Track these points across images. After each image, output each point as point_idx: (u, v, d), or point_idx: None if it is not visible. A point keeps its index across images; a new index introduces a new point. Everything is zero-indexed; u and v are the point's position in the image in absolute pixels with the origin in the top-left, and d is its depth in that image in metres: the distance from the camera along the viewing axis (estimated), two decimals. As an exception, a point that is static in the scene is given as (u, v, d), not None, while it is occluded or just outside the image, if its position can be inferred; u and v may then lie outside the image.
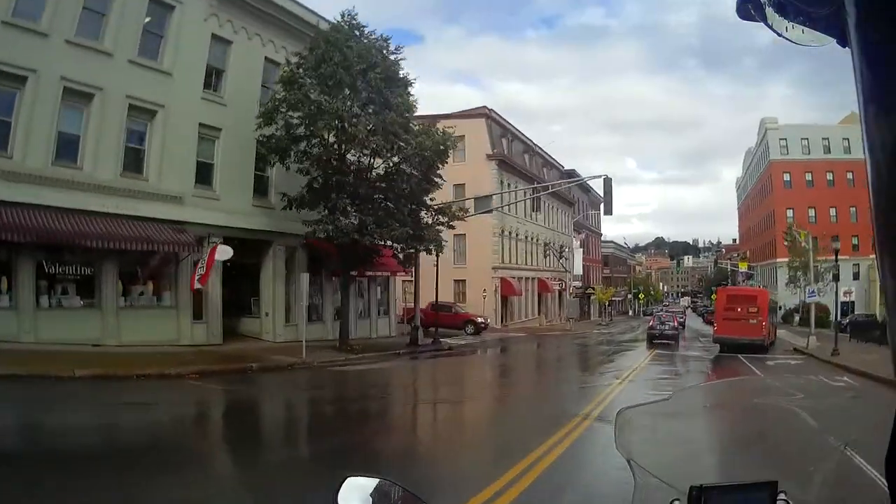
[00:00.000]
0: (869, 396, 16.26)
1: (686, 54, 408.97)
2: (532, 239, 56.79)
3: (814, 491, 2.88)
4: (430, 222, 28.22)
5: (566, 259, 59.08)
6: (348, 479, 1.41)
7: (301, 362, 20.49)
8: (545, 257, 57.63)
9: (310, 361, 20.79)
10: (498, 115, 54.16)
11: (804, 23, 0.88)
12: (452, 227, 29.98)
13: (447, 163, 27.59)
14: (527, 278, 55.60)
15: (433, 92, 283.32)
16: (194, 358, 19.69)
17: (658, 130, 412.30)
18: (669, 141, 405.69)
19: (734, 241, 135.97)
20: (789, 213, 68.38)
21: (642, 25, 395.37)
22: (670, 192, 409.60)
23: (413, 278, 31.72)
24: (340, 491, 1.37)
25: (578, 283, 70.24)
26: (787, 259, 61.27)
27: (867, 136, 0.73)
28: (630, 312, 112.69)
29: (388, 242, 26.11)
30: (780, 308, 52.01)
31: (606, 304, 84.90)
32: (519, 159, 56.30)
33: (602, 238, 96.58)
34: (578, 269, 68.14)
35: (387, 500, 1.42)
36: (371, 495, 1.40)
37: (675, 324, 41.47)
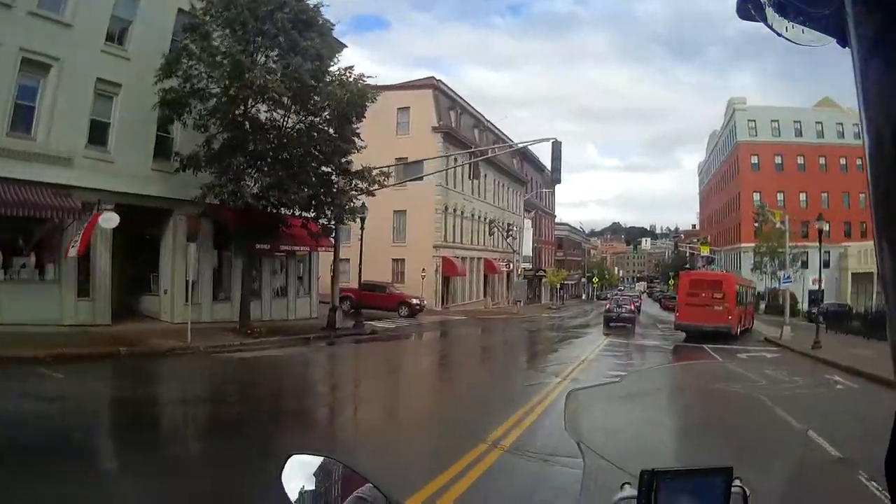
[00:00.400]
0: (873, 400, 13.46)
1: (653, 43, 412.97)
2: (479, 217, 54.29)
3: (772, 478, 2.67)
4: (345, 189, 25.35)
5: (514, 238, 56.85)
6: (293, 457, 1.37)
7: (184, 347, 17.97)
8: (490, 235, 54.85)
9: (195, 346, 18.23)
10: (447, 86, 51.68)
11: (804, 23, 0.88)
12: (371, 195, 27.15)
13: (364, 118, 24.66)
14: (472, 258, 53.35)
15: (399, 77, 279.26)
16: (67, 340, 17.23)
17: (622, 118, 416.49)
18: (633, 129, 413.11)
19: (694, 226, 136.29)
20: (756, 196, 66.07)
21: (610, 14, 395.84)
22: (631, 178, 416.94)
23: (333, 252, 29.05)
24: (285, 469, 1.33)
25: (528, 265, 68.40)
26: (752, 244, 60.37)
27: (867, 136, 0.73)
28: (583, 296, 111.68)
29: (296, 211, 23.55)
30: (757, 294, 49.16)
31: (558, 287, 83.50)
32: (468, 134, 53.84)
33: (556, 220, 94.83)
34: (528, 249, 65.76)
35: (330, 478, 1.36)
36: (315, 473, 1.36)
37: (632, 307, 41.80)
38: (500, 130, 65.11)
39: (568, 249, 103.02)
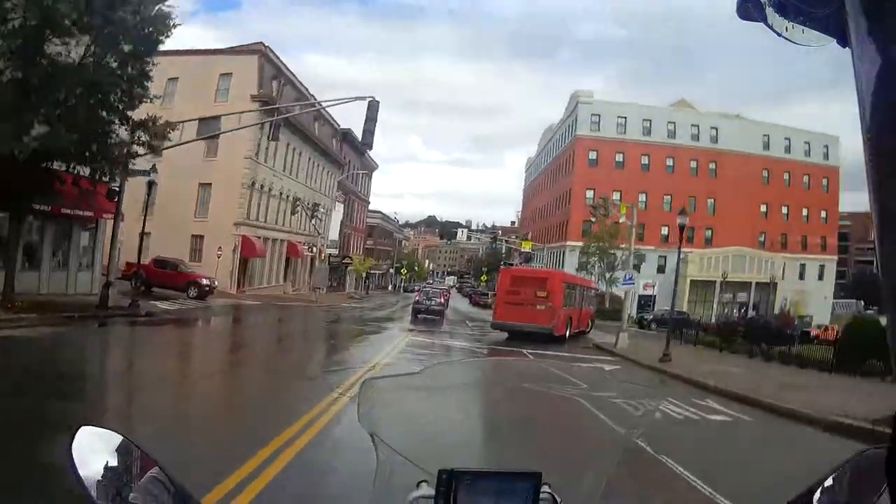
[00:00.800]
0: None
1: (500, 42, 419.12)
2: (287, 196, 51.73)
3: (586, 487, 1.96)
4: (126, 141, 21.89)
5: (319, 220, 54.72)
6: (83, 428, 1.28)
7: None
8: (293, 215, 51.91)
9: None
10: (275, 54, 48.70)
11: (804, 23, 0.90)
12: (156, 152, 23.65)
13: (157, 54, 20.72)
14: (275, 240, 50.90)
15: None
16: None
17: (453, 113, 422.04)
18: (461, 124, 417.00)
19: (513, 223, 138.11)
20: (589, 193, 63.34)
21: (457, 8, 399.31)
22: (452, 173, 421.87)
23: (114, 218, 25.66)
24: (74, 440, 1.24)
25: (335, 251, 66.87)
26: (579, 242, 58.79)
27: (867, 136, 0.73)
28: (390, 287, 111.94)
29: (77, 170, 20.16)
30: (600, 296, 46.09)
31: (364, 276, 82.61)
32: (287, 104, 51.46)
33: (370, 208, 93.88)
34: (334, 233, 64.14)
35: (121, 455, 1.30)
36: (105, 448, 1.28)
37: (442, 300, 41.29)
38: (323, 109, 62.80)
39: (379, 238, 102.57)
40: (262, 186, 46.56)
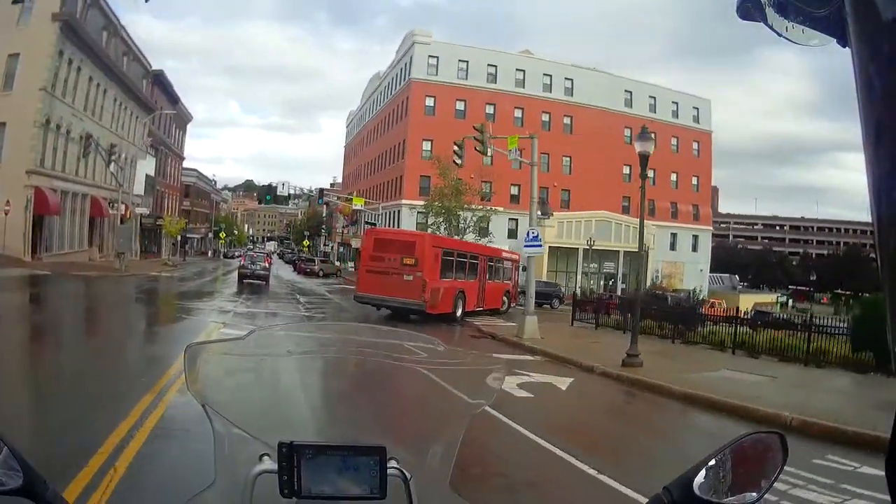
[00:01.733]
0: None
1: (318, 7, 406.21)
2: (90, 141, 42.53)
3: (435, 460, 1.62)
4: None
5: (120, 168, 44.54)
6: None
7: None
8: (84, 158, 41.18)
9: None
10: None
11: (804, 23, 0.89)
12: None
13: None
14: (75, 194, 42.16)
15: None
16: None
17: (271, 77, 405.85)
18: (279, 88, 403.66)
19: (332, 184, 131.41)
20: (426, 145, 55.53)
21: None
22: (270, 138, 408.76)
23: None
24: None
25: (146, 210, 58.04)
26: (417, 201, 50.97)
27: (867, 136, 0.73)
28: (209, 253, 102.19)
29: None
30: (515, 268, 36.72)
31: (180, 240, 73.58)
32: (98, 36, 42.67)
33: (185, 165, 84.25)
34: (139, 187, 54.55)
35: None
36: None
37: (266, 264, 40.12)
38: (134, 44, 53.73)
39: (195, 199, 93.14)
40: (58, 127, 37.85)
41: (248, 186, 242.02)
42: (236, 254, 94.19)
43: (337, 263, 70.42)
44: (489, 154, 26.08)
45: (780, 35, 0.91)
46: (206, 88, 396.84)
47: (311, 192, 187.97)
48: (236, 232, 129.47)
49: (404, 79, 62.50)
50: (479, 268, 28.87)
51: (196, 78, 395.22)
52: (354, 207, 61.37)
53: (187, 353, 1.55)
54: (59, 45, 35.88)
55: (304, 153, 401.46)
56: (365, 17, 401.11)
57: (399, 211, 57.88)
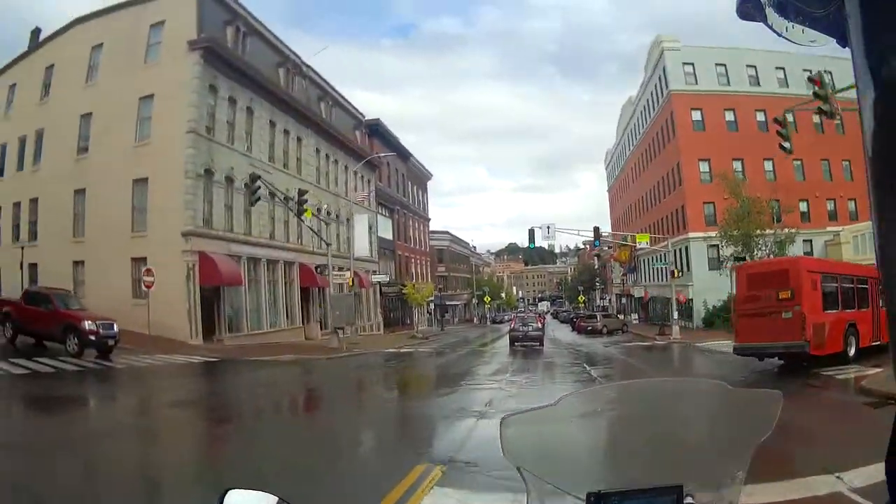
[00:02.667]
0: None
1: (545, 62, 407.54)
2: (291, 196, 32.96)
3: (722, 492, 1.63)
4: None
5: (325, 225, 37.18)
6: (231, 492, 1.35)
7: None
8: (251, 205, 30.01)
9: None
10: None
11: (804, 23, 0.89)
12: None
13: None
14: (273, 261, 34.76)
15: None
16: None
17: (514, 139, 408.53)
18: (525, 149, 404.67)
19: (597, 230, 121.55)
20: (703, 166, 46.14)
21: (499, 32, 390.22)
22: (525, 199, 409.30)
23: None
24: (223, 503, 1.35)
25: (385, 278, 50.03)
26: (703, 234, 43.47)
27: (867, 135, 0.72)
28: (475, 320, 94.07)
29: None
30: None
31: (433, 308, 65.53)
32: (264, 66, 35.64)
33: (432, 226, 77.29)
34: (364, 249, 44.83)
35: None
36: None
37: (539, 324, 36.79)
38: (325, 82, 46.93)
39: (451, 263, 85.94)
40: (225, 176, 30.42)
41: (511, 249, 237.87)
42: (505, 318, 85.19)
43: (620, 317, 60.85)
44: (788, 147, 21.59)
45: (780, 35, 0.89)
46: (450, 157, 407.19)
47: (576, 251, 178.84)
48: (504, 295, 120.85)
49: (662, 93, 52.39)
50: (868, 294, 23.03)
51: (437, 147, 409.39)
52: (639, 246, 49.60)
53: (502, 424, 1.63)
54: (203, 76, 28.78)
55: (563, 210, 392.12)
56: (593, 67, 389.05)
57: (687, 248, 46.91)
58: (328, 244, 34.16)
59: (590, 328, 51.46)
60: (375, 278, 47.85)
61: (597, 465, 2.32)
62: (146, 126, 28.78)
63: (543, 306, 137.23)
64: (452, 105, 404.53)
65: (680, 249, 47.25)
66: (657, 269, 50.74)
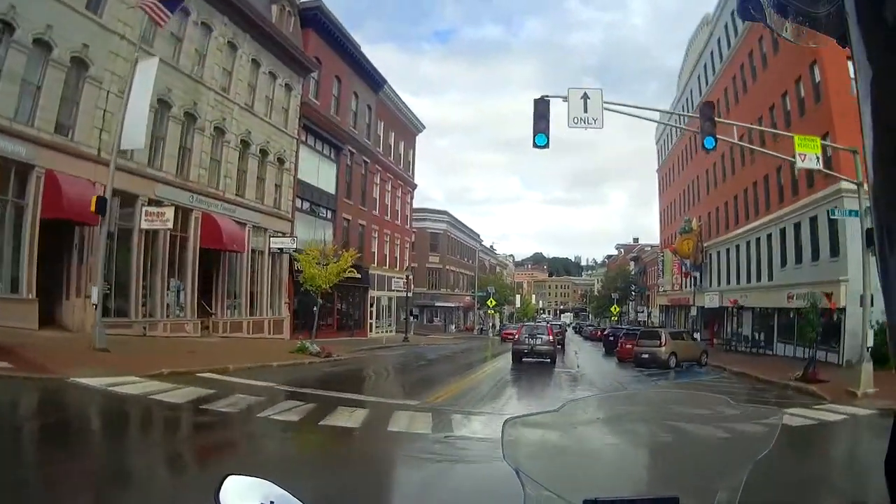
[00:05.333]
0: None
1: (584, 74, 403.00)
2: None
3: None
4: None
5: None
6: (228, 478, 1.35)
7: None
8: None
9: None
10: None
11: (804, 23, 0.89)
12: None
13: None
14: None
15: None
16: None
17: (548, 150, 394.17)
18: (559, 162, 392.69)
19: (636, 240, 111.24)
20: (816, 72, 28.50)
21: (541, 43, 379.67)
22: (555, 212, 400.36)
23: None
24: (221, 490, 1.32)
25: (291, 242, 30.72)
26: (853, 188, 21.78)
27: (867, 135, 0.72)
28: (476, 330, 73.83)
29: None
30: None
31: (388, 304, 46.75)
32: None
33: (431, 204, 58.59)
34: (136, 140, 24.69)
35: (268, 499, 1.35)
36: (251, 496, 1.34)
37: (550, 337, 28.87)
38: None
39: (449, 254, 67.29)
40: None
41: (536, 259, 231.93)
42: (512, 327, 65.83)
43: (696, 337, 37.93)
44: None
45: (780, 35, 0.89)
46: (484, 165, 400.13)
47: (602, 263, 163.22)
48: (520, 303, 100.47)
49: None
50: None
51: (471, 153, 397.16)
52: (800, 163, 28.52)
53: (505, 426, 1.63)
54: None
55: (592, 226, 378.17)
56: (632, 83, 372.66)
57: (831, 215, 24.29)
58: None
59: (646, 356, 28.20)
60: (277, 241, 28.89)
61: (595, 472, 2.30)
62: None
63: (567, 318, 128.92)
64: (489, 112, 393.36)
65: (813, 219, 27.58)
66: (748, 259, 31.16)
